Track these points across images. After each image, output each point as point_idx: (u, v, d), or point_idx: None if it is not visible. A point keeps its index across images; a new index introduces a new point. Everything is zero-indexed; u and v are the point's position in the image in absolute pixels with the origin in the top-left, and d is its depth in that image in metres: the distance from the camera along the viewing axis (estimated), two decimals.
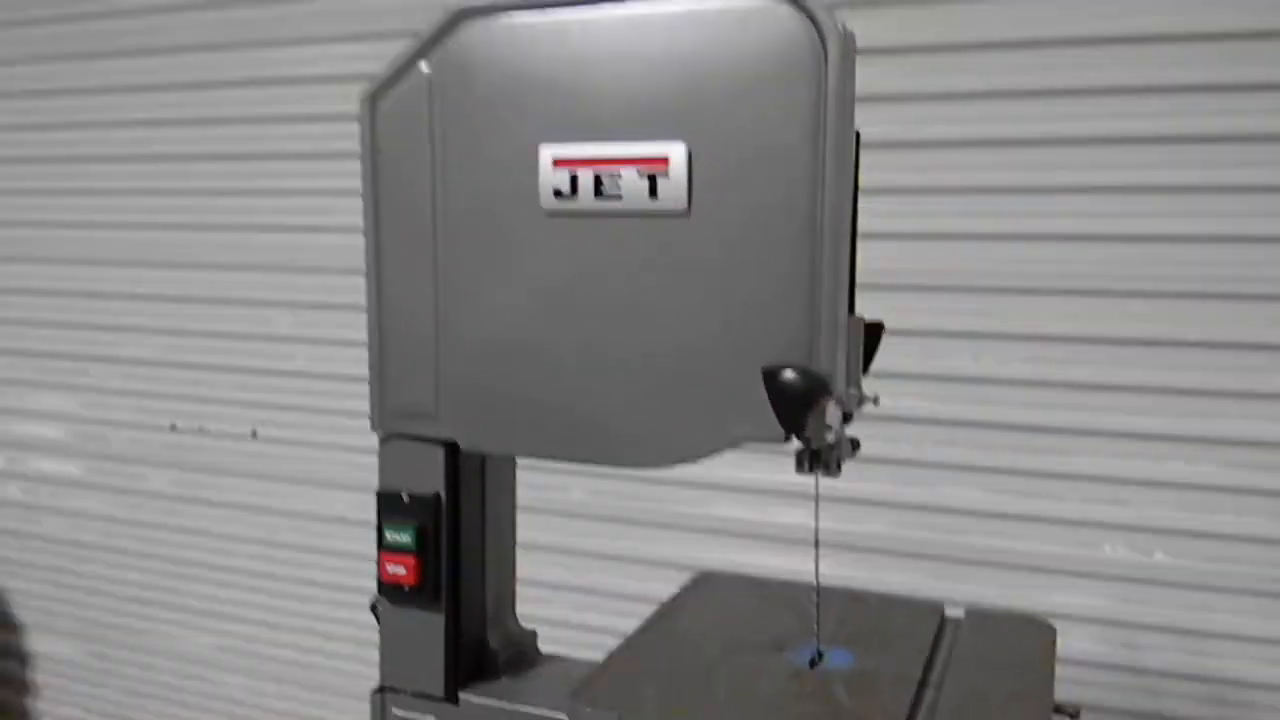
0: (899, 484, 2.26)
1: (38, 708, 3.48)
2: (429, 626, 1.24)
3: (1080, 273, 2.10)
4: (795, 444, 1.09)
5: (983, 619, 1.29)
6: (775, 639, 1.20)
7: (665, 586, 1.48)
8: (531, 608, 1.44)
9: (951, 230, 2.18)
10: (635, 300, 1.11)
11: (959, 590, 2.23)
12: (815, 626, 1.17)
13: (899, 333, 2.01)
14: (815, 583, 1.20)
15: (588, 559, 2.59)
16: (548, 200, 1.13)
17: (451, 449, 1.22)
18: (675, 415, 1.11)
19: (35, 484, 3.39)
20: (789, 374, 1.04)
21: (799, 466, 1.10)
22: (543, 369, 1.16)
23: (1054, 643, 1.22)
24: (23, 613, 3.46)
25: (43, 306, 3.24)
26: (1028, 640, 1.23)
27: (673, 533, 2.49)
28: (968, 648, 1.20)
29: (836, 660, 1.15)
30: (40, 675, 3.46)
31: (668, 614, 1.32)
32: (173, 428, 3.13)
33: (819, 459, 1.09)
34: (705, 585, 1.41)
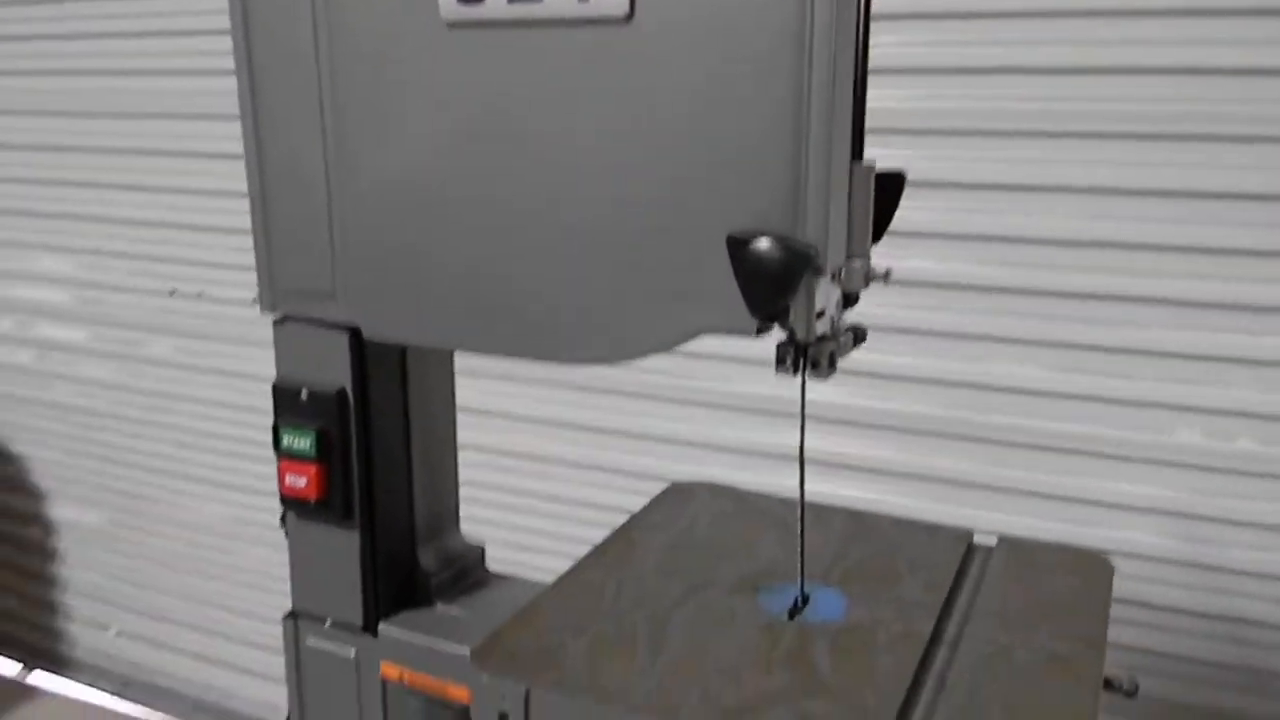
0: (941, 358, 1.99)
1: (61, 574, 3.46)
2: (342, 546, 1.03)
3: (1154, 113, 1.75)
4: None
5: (1020, 551, 1.02)
6: (752, 573, 0.96)
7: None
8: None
9: (995, 63, 1.84)
10: (565, 142, 0.83)
11: (1007, 477, 1.98)
12: (799, 563, 0.92)
13: (930, 184, 1.68)
14: (800, 505, 0.93)
15: (604, 436, 2.40)
16: (449, 7, 0.84)
17: (356, 335, 0.98)
18: (619, 297, 0.85)
19: (45, 350, 3.28)
20: (764, 244, 0.78)
21: (779, 364, 0.84)
22: (454, 236, 0.90)
23: (1109, 585, 0.96)
24: (42, 480, 3.41)
25: (41, 163, 3.06)
26: (1076, 582, 0.96)
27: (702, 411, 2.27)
28: (997, 591, 0.94)
29: (824, 607, 0.91)
30: (62, 542, 3.43)
31: (626, 536, 1.09)
32: (172, 293, 2.96)
33: (805, 356, 0.82)
34: (679, 499, 1.17)
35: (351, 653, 1.04)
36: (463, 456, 1.18)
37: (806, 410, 0.91)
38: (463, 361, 1.14)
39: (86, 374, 3.22)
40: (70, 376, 3.25)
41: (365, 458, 1.01)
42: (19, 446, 3.43)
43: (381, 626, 1.03)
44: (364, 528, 1.02)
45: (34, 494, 3.43)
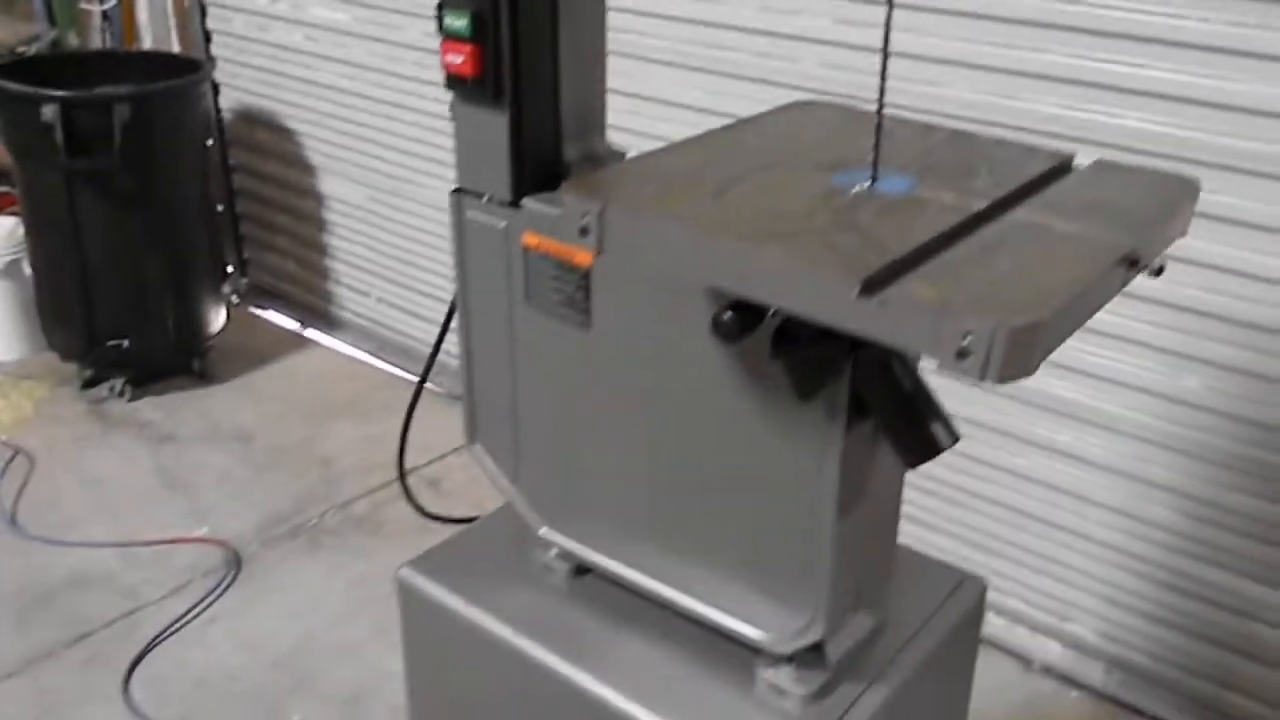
0: None
1: (333, 243, 3.92)
2: (495, 127, 1.14)
3: None
4: None
5: (1111, 169, 0.98)
6: (834, 161, 0.99)
7: None
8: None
9: None
10: None
11: None
12: (875, 146, 0.93)
13: None
14: (880, 88, 0.92)
15: None
16: None
17: None
18: None
19: (315, 31, 3.57)
20: None
21: None
22: None
23: (1192, 199, 0.91)
24: (315, 156, 3.81)
25: None
26: (1155, 193, 0.92)
27: None
28: (1067, 192, 0.92)
29: (889, 186, 0.93)
30: (332, 215, 3.87)
31: (729, 129, 1.14)
32: None
33: None
34: (797, 109, 1.19)
35: (502, 224, 1.18)
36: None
37: None
38: None
39: (350, 56, 3.50)
40: (337, 58, 3.54)
41: (514, 43, 1.10)
42: (296, 124, 3.82)
43: (525, 201, 1.16)
44: (513, 112, 1.13)
45: (309, 169, 3.85)
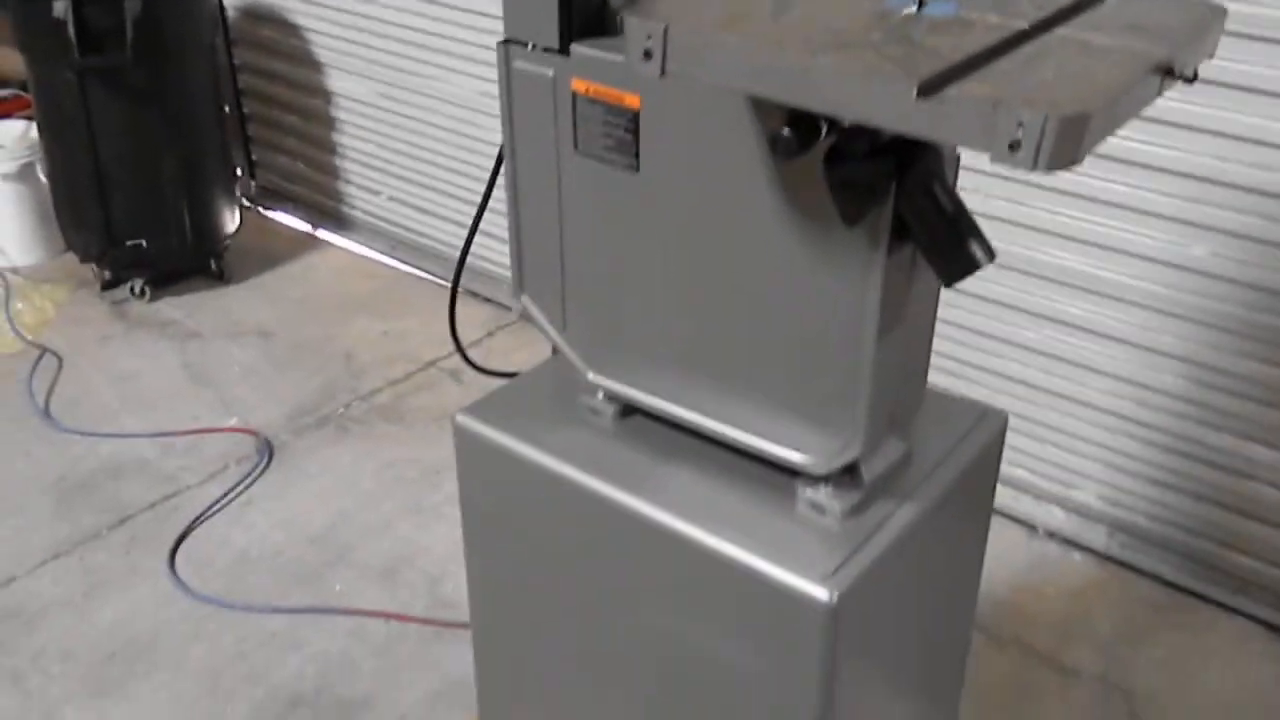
0: None
1: (343, 142, 3.93)
2: None
3: None
4: None
5: None
6: None
7: None
8: None
9: None
10: None
11: None
12: None
13: None
14: None
15: None
16: None
17: None
18: None
19: None
20: None
21: None
22: None
23: (1220, 22, 0.96)
24: (321, 53, 3.80)
25: None
26: (1185, 15, 0.96)
27: None
28: (1108, 15, 0.96)
29: (937, 9, 0.97)
30: (341, 113, 3.87)
31: None
32: None
33: None
34: None
35: (550, 72, 1.22)
36: None
37: None
38: None
39: None
40: None
41: None
42: (302, 19, 3.80)
43: (573, 47, 1.20)
44: None
45: (316, 66, 3.84)
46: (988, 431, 1.40)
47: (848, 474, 1.23)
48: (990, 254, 1.00)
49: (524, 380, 1.52)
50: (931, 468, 1.31)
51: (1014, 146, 0.76)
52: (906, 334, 1.18)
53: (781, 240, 1.11)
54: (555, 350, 1.45)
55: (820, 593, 1.13)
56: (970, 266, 1.00)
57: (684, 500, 1.26)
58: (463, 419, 1.41)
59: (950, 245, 0.99)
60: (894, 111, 0.81)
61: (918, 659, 1.49)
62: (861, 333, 1.11)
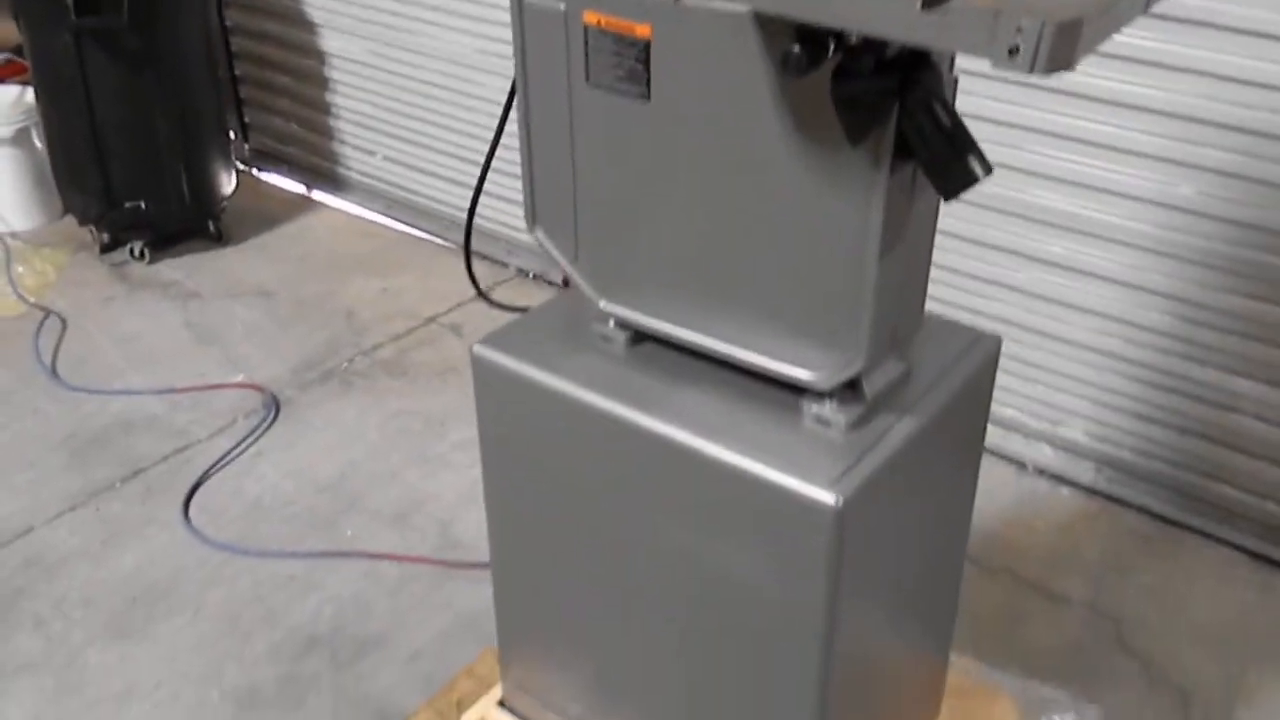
0: None
1: (336, 102, 3.95)
2: None
3: None
4: None
5: None
6: None
7: None
8: None
9: None
10: None
11: None
12: None
13: None
14: None
15: None
16: None
17: None
18: None
19: None
20: None
21: None
22: None
23: None
24: (315, 12, 3.81)
25: None
26: None
27: None
28: None
29: None
30: (334, 72, 3.88)
31: None
32: None
33: None
34: None
35: (561, 6, 1.27)
36: None
37: None
38: None
39: None
40: None
41: None
42: None
43: None
44: None
45: (308, 26, 3.85)
46: (982, 354, 1.46)
47: (850, 390, 1.29)
48: (988, 168, 1.06)
49: (537, 313, 1.58)
50: (929, 386, 1.38)
51: (1013, 51, 0.82)
52: (907, 254, 1.24)
53: (788, 162, 1.17)
54: (566, 283, 1.50)
55: (827, 497, 1.20)
56: (969, 179, 1.05)
57: (695, 418, 1.32)
58: (480, 349, 1.47)
59: (949, 159, 1.05)
60: (901, 23, 0.87)
61: (915, 579, 1.56)
62: (864, 251, 1.17)
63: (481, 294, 1.66)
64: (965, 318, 2.73)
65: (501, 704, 1.79)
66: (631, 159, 1.30)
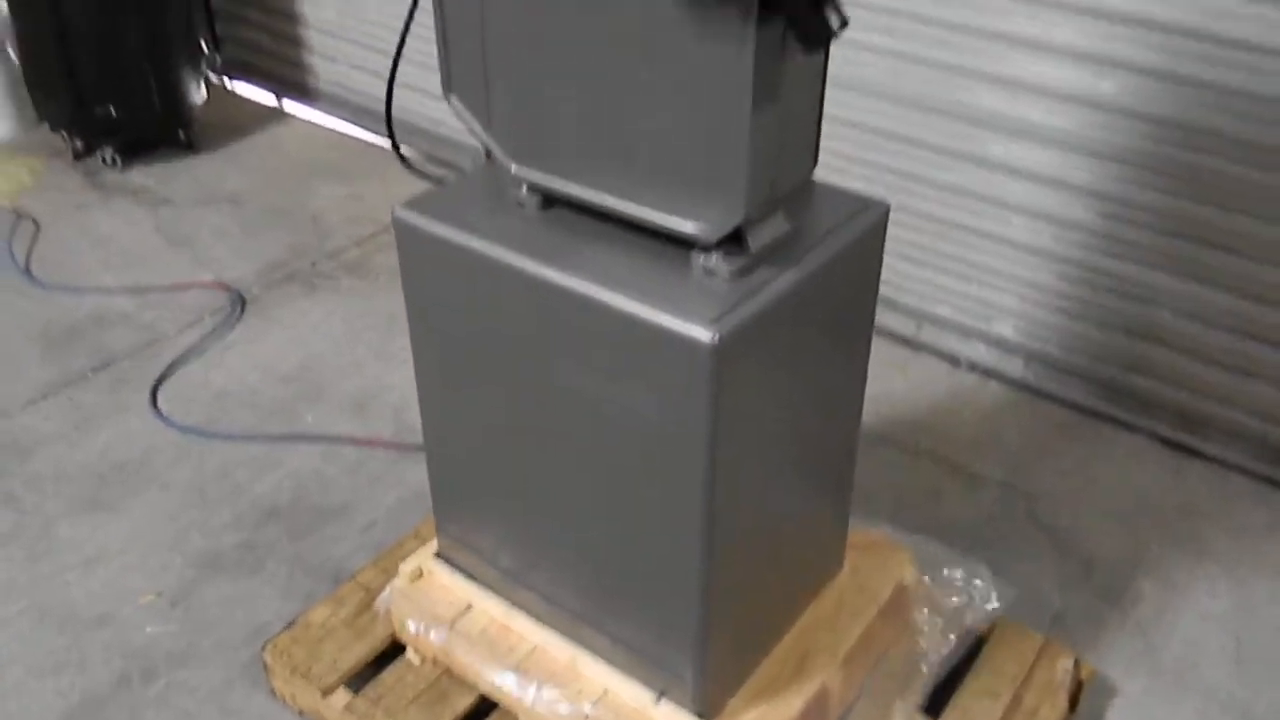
0: None
1: (304, 12, 3.99)
2: None
3: None
4: None
5: None
6: None
7: None
8: None
9: None
10: None
11: None
12: None
13: None
14: None
15: None
16: None
17: None
18: None
19: None
20: None
21: None
22: None
23: None
24: None
25: None
26: None
27: None
28: None
29: None
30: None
31: None
32: None
33: None
34: None
35: None
36: None
37: None
38: None
39: None
40: None
41: None
42: None
43: None
44: None
45: None
46: (871, 218, 1.57)
47: (736, 244, 1.40)
48: (844, 21, 1.16)
49: (457, 180, 1.68)
50: (814, 244, 1.49)
51: None
52: (784, 111, 1.34)
53: (665, 20, 1.26)
54: (488, 155, 1.60)
55: (704, 334, 1.31)
56: (825, 32, 1.15)
57: (597, 272, 1.43)
58: (401, 213, 1.57)
59: (806, 12, 1.15)
60: None
61: (804, 437, 1.66)
62: (739, 104, 1.27)
63: (400, 155, 1.75)
64: (903, 218, 2.85)
65: (438, 555, 1.93)
66: (532, 25, 1.40)
